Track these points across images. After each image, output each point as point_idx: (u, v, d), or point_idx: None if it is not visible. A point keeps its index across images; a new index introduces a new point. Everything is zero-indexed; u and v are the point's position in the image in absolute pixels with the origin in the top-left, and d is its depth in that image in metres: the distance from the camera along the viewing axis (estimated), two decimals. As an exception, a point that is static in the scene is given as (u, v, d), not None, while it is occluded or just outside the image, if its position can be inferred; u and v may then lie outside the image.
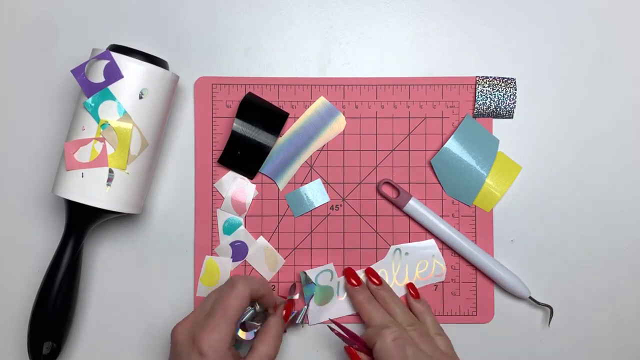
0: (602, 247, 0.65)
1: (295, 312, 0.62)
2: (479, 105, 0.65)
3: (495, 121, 0.65)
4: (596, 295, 0.65)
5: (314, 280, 0.64)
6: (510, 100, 0.65)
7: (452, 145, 0.64)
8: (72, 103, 0.65)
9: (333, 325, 0.59)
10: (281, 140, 0.65)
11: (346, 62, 0.66)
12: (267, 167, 0.65)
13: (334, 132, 0.65)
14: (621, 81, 0.66)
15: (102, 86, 0.58)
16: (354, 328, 0.63)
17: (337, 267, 0.65)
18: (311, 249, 0.65)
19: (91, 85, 0.58)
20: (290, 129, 0.65)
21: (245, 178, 0.65)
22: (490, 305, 0.65)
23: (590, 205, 0.65)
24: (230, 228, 0.64)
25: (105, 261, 0.65)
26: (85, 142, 0.58)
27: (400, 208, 0.64)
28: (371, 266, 0.65)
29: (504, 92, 0.65)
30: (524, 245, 0.65)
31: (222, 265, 0.64)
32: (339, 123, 0.65)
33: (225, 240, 0.64)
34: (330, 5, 0.66)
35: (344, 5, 0.66)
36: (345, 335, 0.59)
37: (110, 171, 0.58)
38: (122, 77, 0.58)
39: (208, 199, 0.65)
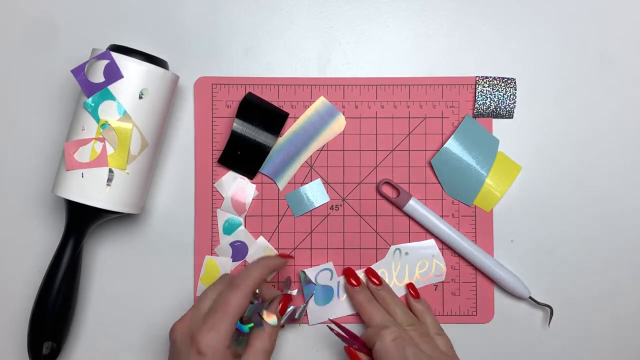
0: (602, 247, 0.65)
1: (294, 307, 0.61)
2: (479, 105, 0.65)
3: (495, 121, 0.65)
4: (596, 295, 0.65)
5: (313, 280, 0.64)
6: (510, 100, 0.65)
7: (452, 145, 0.64)
8: (72, 103, 0.65)
9: (333, 326, 0.59)
10: (281, 140, 0.65)
11: (346, 62, 0.66)
12: (267, 167, 0.65)
13: (334, 132, 0.65)
14: (621, 81, 0.66)
15: (102, 86, 0.58)
16: (354, 328, 0.63)
17: (337, 267, 0.65)
18: (311, 249, 0.65)
19: (91, 85, 0.58)
20: (290, 129, 0.65)
21: (245, 178, 0.65)
22: (490, 305, 0.65)
23: (590, 205, 0.65)
24: (230, 228, 0.65)
25: (105, 261, 0.65)
26: (85, 142, 0.58)
27: (400, 208, 0.64)
28: (371, 266, 0.65)
29: (504, 92, 0.65)
30: (524, 245, 0.65)
31: (222, 265, 0.64)
32: (339, 123, 0.65)
33: (225, 240, 0.64)
34: (330, 5, 0.66)
35: (344, 5, 0.66)
36: (345, 335, 0.59)
37: (110, 171, 0.58)
38: (122, 77, 0.58)
39: (208, 199, 0.65)
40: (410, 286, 0.64)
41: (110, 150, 0.58)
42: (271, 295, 0.60)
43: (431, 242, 0.65)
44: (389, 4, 0.66)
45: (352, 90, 0.65)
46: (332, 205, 0.65)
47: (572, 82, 0.66)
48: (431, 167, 0.65)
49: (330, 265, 0.64)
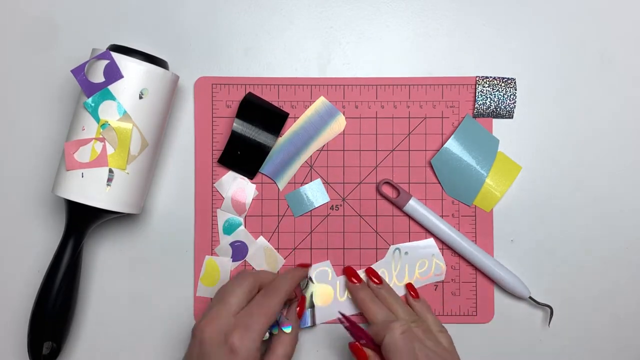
0: (602, 247, 0.65)
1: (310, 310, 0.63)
2: (479, 105, 0.65)
3: (495, 121, 0.65)
4: (596, 295, 0.65)
5: (311, 279, 0.64)
6: (510, 100, 0.65)
7: (452, 145, 0.64)
8: (72, 103, 0.65)
9: (342, 319, 0.59)
10: (281, 140, 0.65)
11: (346, 62, 0.66)
12: (267, 167, 0.65)
13: (334, 132, 0.65)
14: (621, 81, 0.66)
15: (102, 86, 0.58)
16: (354, 328, 0.63)
17: (337, 267, 0.65)
18: (311, 249, 0.65)
19: (91, 85, 0.58)
20: (290, 129, 0.65)
21: (245, 178, 0.65)
22: (490, 305, 0.65)
23: (590, 205, 0.65)
24: (230, 228, 0.65)
25: (105, 261, 0.65)
26: (85, 142, 0.58)
27: (400, 208, 0.64)
28: (371, 266, 0.65)
29: (504, 92, 0.65)
30: (524, 245, 0.65)
31: (222, 265, 0.64)
32: (339, 123, 0.65)
33: (225, 240, 0.64)
34: (330, 5, 0.66)
35: (344, 5, 0.66)
36: (353, 330, 0.58)
37: (110, 171, 0.58)
38: (122, 77, 0.58)
39: (208, 199, 0.65)
40: (409, 286, 0.64)
41: (110, 150, 0.58)
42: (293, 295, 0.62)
43: (430, 241, 0.65)
44: (389, 4, 0.66)
45: (352, 90, 0.65)
46: (332, 205, 0.65)
47: (572, 82, 0.66)
48: (431, 167, 0.65)
49: (327, 264, 0.64)
